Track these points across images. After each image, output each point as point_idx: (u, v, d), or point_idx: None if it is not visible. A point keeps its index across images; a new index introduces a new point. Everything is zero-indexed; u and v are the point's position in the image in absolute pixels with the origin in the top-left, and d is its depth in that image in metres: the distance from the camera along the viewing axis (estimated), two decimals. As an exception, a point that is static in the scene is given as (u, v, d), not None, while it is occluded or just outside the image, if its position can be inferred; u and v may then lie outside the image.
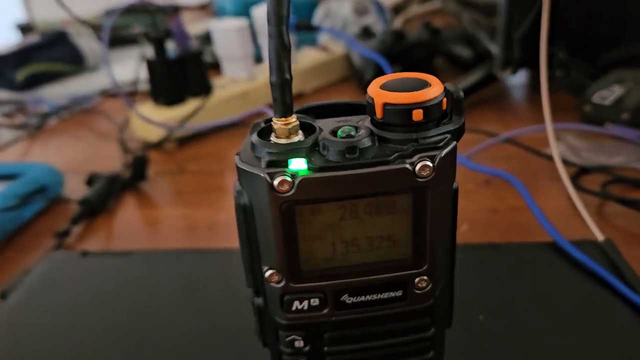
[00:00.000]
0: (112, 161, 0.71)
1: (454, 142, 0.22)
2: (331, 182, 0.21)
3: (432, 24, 0.96)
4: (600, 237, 0.46)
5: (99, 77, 1.08)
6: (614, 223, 0.51)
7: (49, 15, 1.58)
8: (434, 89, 0.22)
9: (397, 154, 0.22)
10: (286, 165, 0.21)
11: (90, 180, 0.62)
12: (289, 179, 0.21)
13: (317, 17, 1.05)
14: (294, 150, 0.22)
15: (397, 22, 1.23)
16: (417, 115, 0.22)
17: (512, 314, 0.38)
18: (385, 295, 0.24)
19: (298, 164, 0.21)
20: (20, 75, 1.03)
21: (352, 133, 0.22)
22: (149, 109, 0.76)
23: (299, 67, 0.90)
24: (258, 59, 0.87)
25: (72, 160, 0.75)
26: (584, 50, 0.79)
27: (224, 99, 0.80)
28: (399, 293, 0.24)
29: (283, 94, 0.21)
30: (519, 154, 0.64)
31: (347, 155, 0.21)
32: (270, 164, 0.21)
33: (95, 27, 1.17)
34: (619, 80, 0.71)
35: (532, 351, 0.35)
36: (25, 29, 1.63)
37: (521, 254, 0.45)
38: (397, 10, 1.30)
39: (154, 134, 0.74)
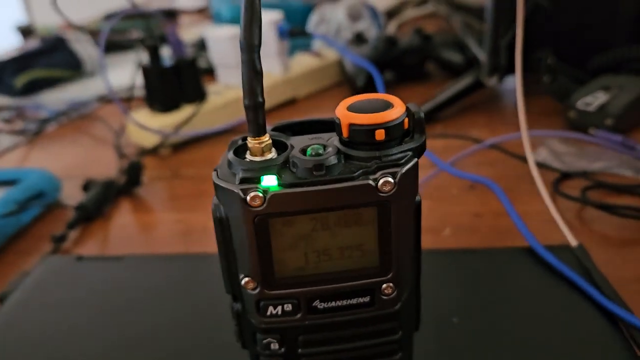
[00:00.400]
0: (108, 166, 0.73)
1: (415, 159, 0.24)
2: (300, 197, 0.23)
3: (423, 30, 0.97)
4: (574, 242, 0.47)
5: (97, 83, 1.09)
6: (592, 228, 0.53)
7: (49, 18, 1.59)
8: (396, 110, 0.24)
9: (361, 171, 0.23)
10: (258, 182, 0.23)
11: (87, 186, 0.64)
12: (260, 194, 0.23)
13: (312, 23, 1.06)
14: (266, 168, 0.23)
15: (391, 26, 1.25)
16: (380, 135, 0.23)
17: (486, 316, 0.40)
18: (354, 301, 0.26)
19: (269, 181, 0.23)
20: (20, 81, 1.05)
21: (320, 151, 0.24)
22: (144, 115, 0.78)
23: (292, 72, 0.92)
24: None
25: (70, 165, 0.77)
26: (573, 54, 0.81)
27: (218, 106, 0.81)
28: (367, 299, 0.26)
29: (256, 116, 0.23)
30: (503, 160, 0.66)
31: (314, 172, 0.23)
32: (243, 181, 0.23)
33: (93, 33, 1.19)
34: (604, 86, 0.73)
35: (505, 353, 0.37)
36: (25, 31, 1.65)
37: (498, 258, 0.46)
38: (390, 14, 1.31)
39: (149, 140, 0.76)
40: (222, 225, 0.25)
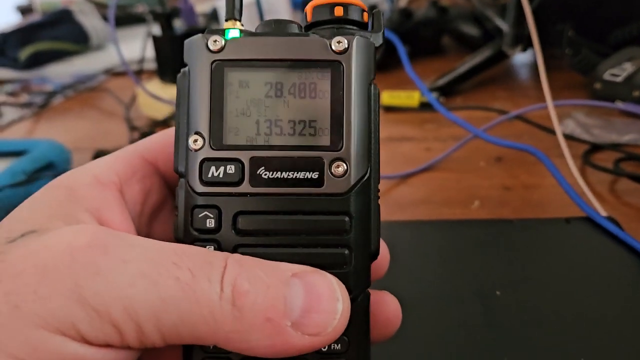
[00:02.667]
0: (118, 138, 0.71)
1: (372, 41, 0.25)
2: (257, 45, 0.24)
3: (439, 2, 0.95)
4: (603, 213, 0.45)
5: (104, 56, 1.07)
6: (626, 200, 0.51)
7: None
8: (356, 2, 0.26)
9: (317, 34, 0.25)
10: (223, 34, 0.24)
11: (97, 157, 0.61)
12: (221, 39, 0.24)
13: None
14: (232, 30, 0.25)
15: (403, 1, 1.22)
16: (338, 11, 0.25)
17: (529, 288, 0.38)
18: (301, 175, 0.24)
19: (233, 33, 0.25)
20: (24, 53, 1.02)
21: (284, 20, 0.26)
22: (155, 86, 0.76)
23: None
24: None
25: (79, 138, 0.75)
26: (594, 28, 0.79)
27: (230, 77, 0.79)
28: (315, 175, 0.24)
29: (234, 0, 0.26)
30: (529, 131, 0.64)
31: (273, 27, 0.25)
32: (209, 32, 0.25)
33: (99, 6, 1.16)
34: (630, 57, 0.70)
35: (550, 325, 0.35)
36: (25, 10, 1.62)
37: (535, 229, 0.44)
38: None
39: (161, 111, 0.74)
40: (182, 81, 0.25)
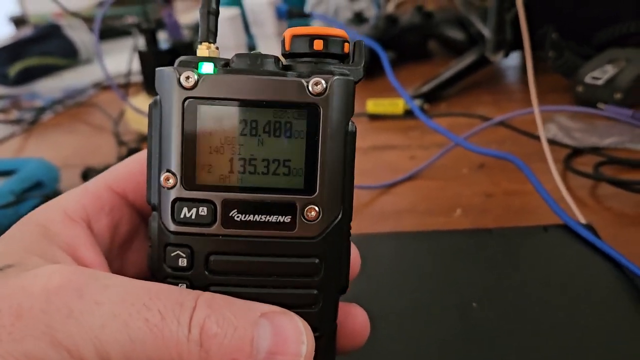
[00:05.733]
0: (107, 154, 0.72)
1: (351, 78, 0.24)
2: (231, 83, 0.23)
3: (424, 7, 0.95)
4: (582, 220, 0.46)
5: (93, 70, 1.07)
6: (607, 205, 0.51)
7: (42, 8, 1.58)
8: (338, 32, 0.25)
9: (295, 73, 0.24)
10: (196, 67, 0.23)
11: (86, 175, 0.62)
12: (194, 74, 0.23)
13: (310, 4, 1.04)
14: (206, 59, 0.24)
15: (390, 6, 1.22)
16: (318, 44, 0.24)
17: (505, 299, 0.39)
18: (273, 219, 0.24)
19: (207, 68, 0.23)
20: (13, 70, 1.03)
21: (260, 56, 0.24)
22: (142, 100, 0.76)
23: (292, 54, 0.90)
24: (251, 48, 0.87)
25: (68, 154, 0.75)
26: (577, 30, 0.79)
27: (217, 89, 0.80)
28: (288, 219, 0.24)
29: (207, 22, 0.25)
30: (512, 137, 0.64)
31: (249, 64, 0.24)
32: (181, 64, 0.24)
33: (88, 20, 1.17)
34: (611, 60, 0.71)
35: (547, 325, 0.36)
36: (18, 21, 1.63)
37: (514, 238, 0.45)
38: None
39: (149, 126, 0.74)
40: (154, 114, 0.24)
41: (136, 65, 0.78)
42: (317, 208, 0.24)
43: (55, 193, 0.63)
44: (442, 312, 0.38)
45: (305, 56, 0.25)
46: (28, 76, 1.05)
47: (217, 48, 0.25)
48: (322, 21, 0.99)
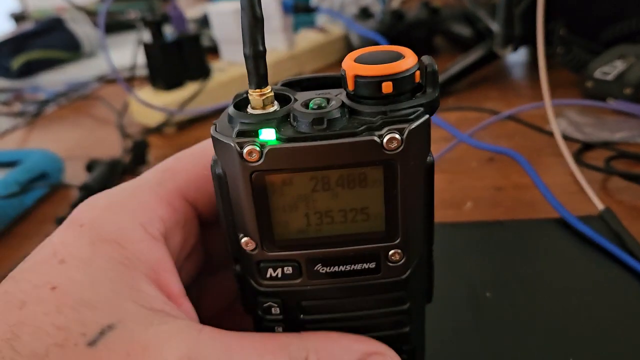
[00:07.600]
0: (111, 147, 0.71)
1: (427, 116, 0.22)
2: (299, 153, 0.22)
3: (431, 3, 0.95)
4: (600, 206, 0.46)
5: (96, 63, 1.07)
6: (618, 198, 0.51)
7: (42, 3, 1.57)
8: (406, 62, 0.22)
9: (365, 127, 0.21)
10: (256, 135, 0.21)
11: (90, 166, 0.61)
12: (257, 148, 0.21)
13: (315, -1, 1.04)
14: (265, 121, 0.22)
15: (395, 2, 1.22)
16: (387, 87, 0.21)
17: (519, 290, 0.38)
18: (358, 267, 0.24)
19: (268, 135, 0.21)
20: (16, 63, 1.02)
21: (323, 104, 0.22)
22: (147, 93, 0.76)
23: (297, 48, 0.89)
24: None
25: (72, 146, 0.75)
26: (585, 26, 0.79)
27: (223, 82, 0.79)
28: (372, 265, 0.24)
29: (257, 66, 0.22)
30: (521, 131, 0.64)
31: (314, 127, 0.21)
32: (240, 134, 0.22)
33: (91, 14, 1.16)
34: (621, 55, 0.70)
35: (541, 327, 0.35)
36: (19, 18, 1.62)
37: (526, 230, 0.45)
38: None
39: (154, 119, 0.74)
40: (220, 182, 0.23)
41: (141, 58, 0.77)
42: (400, 252, 0.24)
43: (60, 184, 0.62)
44: (456, 302, 0.37)
45: (373, 99, 0.22)
46: (31, 69, 1.04)
47: (270, 91, 0.23)
48: (328, 15, 0.99)
